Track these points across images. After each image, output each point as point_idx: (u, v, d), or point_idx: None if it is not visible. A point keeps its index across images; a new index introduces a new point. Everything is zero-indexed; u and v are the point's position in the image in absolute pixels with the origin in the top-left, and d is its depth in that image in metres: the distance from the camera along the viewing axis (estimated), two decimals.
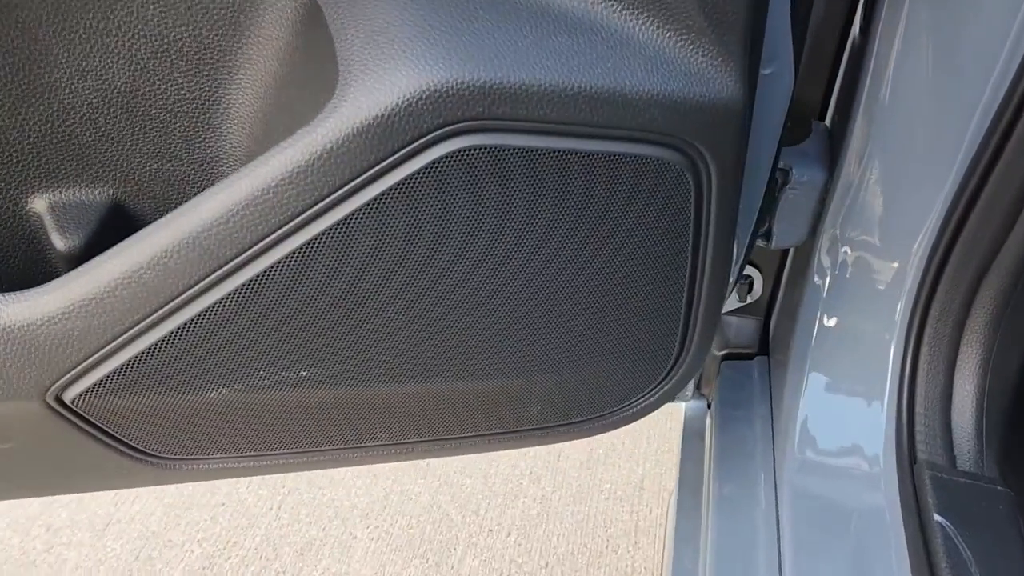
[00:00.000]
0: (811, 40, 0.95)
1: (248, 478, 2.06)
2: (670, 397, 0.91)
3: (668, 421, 2.24)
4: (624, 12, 0.65)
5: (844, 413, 0.95)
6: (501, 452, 2.16)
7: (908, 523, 0.81)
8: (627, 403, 0.90)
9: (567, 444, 2.19)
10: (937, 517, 0.78)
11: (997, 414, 0.88)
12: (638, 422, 0.93)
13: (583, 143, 0.66)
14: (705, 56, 0.66)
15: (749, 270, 1.16)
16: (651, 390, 0.89)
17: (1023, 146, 0.68)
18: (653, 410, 0.92)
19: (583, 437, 0.94)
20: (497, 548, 1.94)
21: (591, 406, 0.89)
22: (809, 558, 0.89)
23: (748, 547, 0.95)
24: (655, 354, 0.84)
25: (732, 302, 1.18)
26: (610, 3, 0.65)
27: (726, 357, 1.26)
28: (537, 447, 2.16)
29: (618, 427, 0.93)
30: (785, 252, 1.14)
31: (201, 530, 1.97)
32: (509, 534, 1.98)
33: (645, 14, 0.65)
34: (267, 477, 2.07)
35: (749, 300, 1.19)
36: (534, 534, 1.98)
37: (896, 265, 0.87)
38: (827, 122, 1.02)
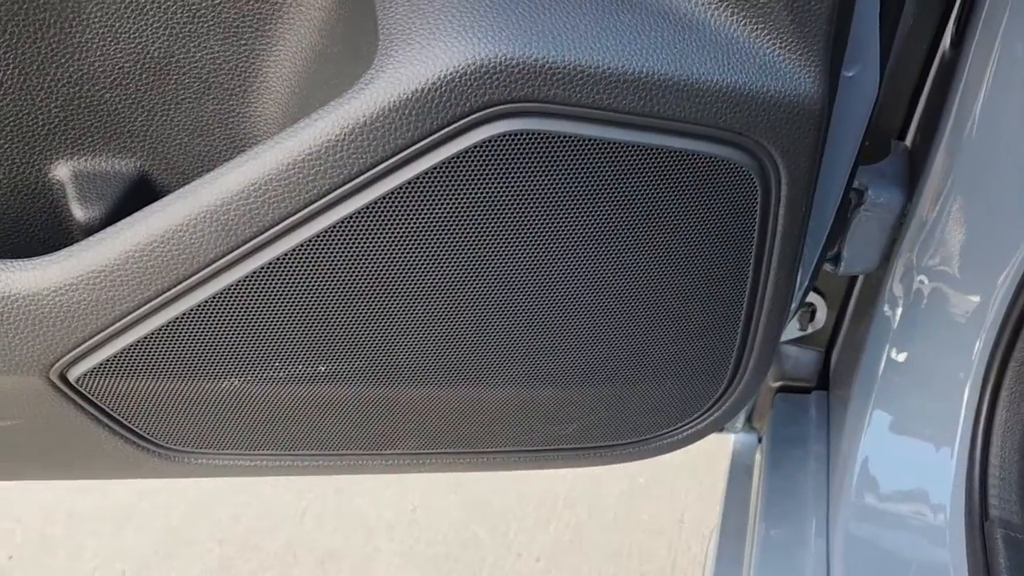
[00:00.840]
0: (896, 52, 0.90)
1: (275, 480, 2.03)
2: (719, 426, 0.86)
3: (715, 453, 2.17)
4: None
5: (909, 457, 0.91)
6: (536, 473, 2.11)
7: None
8: (672, 428, 0.86)
9: (607, 470, 2.14)
10: None
11: None
12: (682, 451, 0.89)
13: (641, 136, 0.62)
14: (783, 48, 0.62)
15: (812, 297, 1.13)
16: (699, 416, 0.85)
17: None
18: (699, 438, 0.88)
19: (622, 462, 0.89)
20: (524, 574, 1.89)
21: (633, 429, 0.84)
22: None
23: None
24: (706, 375, 0.80)
25: (792, 330, 1.15)
26: None
27: (781, 389, 1.22)
28: (575, 470, 2.11)
29: (660, 454, 0.89)
30: (853, 279, 1.10)
31: (222, 529, 1.96)
32: (538, 560, 1.93)
33: None
34: (294, 480, 2.05)
35: (810, 329, 1.15)
36: (564, 562, 1.93)
37: (977, 299, 0.84)
38: (908, 142, 0.97)
